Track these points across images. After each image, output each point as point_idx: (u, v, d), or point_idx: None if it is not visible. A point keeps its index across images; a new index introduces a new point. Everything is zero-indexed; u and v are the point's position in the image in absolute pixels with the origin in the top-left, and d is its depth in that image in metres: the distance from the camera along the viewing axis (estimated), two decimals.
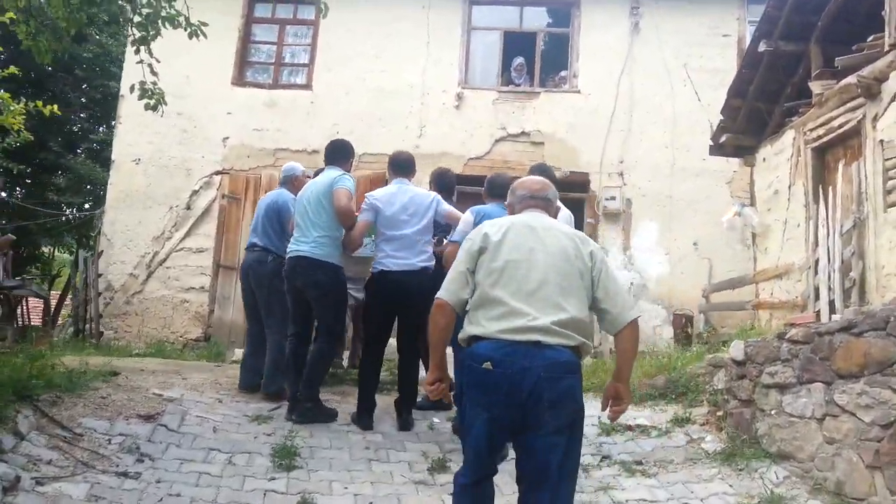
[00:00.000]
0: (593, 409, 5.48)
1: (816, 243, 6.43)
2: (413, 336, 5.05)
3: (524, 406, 2.62)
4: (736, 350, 4.85)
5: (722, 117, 8.47)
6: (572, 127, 10.04)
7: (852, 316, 4.05)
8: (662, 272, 9.51)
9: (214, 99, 10.39)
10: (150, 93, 5.92)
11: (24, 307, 12.16)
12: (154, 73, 5.78)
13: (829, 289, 6.04)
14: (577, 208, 9.95)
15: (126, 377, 5.66)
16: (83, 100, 14.42)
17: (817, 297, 6.23)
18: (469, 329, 2.80)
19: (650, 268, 9.54)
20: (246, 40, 10.83)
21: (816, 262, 6.39)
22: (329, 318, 5.08)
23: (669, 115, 9.89)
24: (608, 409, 2.95)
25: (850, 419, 3.86)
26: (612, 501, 4.04)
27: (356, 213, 5.09)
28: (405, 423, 5.05)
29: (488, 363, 2.65)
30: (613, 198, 9.64)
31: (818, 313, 6.00)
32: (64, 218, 13.61)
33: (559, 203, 5.30)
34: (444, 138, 10.12)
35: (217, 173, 10.25)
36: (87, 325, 9.50)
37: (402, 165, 5.31)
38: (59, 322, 12.13)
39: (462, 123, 10.19)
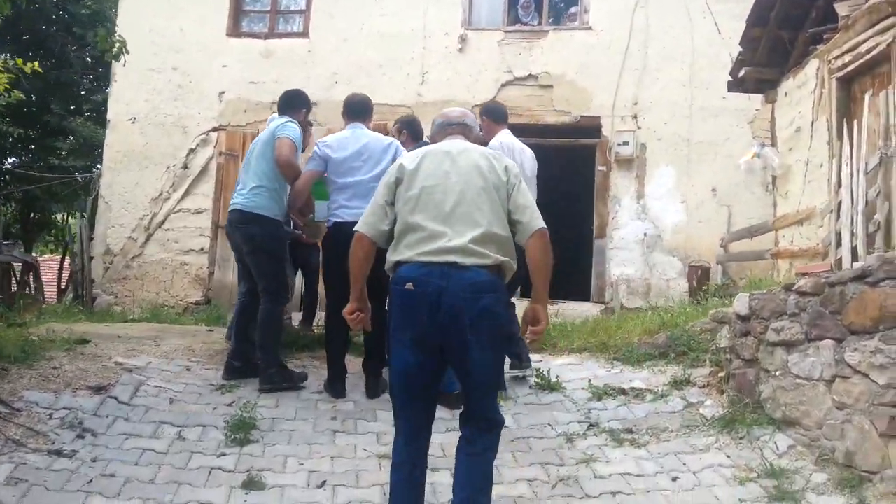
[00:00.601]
0: (586, 371, 5.16)
1: (839, 184, 5.82)
2: (377, 289, 4.63)
3: (444, 325, 2.68)
4: (740, 304, 4.36)
5: (741, 49, 7.78)
6: (583, 67, 9.35)
7: (868, 263, 3.54)
8: (679, 221, 8.85)
9: (209, 52, 9.95)
10: (107, 40, 5.55)
11: (34, 275, 12.08)
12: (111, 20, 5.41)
13: (852, 234, 5.46)
14: (587, 155, 9.40)
15: (95, 345, 5.41)
16: (88, 59, 14.09)
17: (839, 244, 5.66)
18: (392, 257, 2.86)
19: (666, 216, 8.87)
20: None
21: (839, 204, 5.79)
22: (267, 277, 4.70)
23: (687, 50, 9.09)
24: (527, 332, 2.90)
25: (863, 381, 3.37)
26: (593, 475, 3.65)
27: (300, 166, 4.67)
28: (374, 388, 4.67)
29: (410, 284, 2.72)
30: (626, 142, 8.96)
31: (839, 261, 5.44)
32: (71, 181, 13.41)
33: (523, 144, 4.87)
34: (447, 84, 9.54)
35: (214, 130, 9.87)
36: (84, 291, 9.31)
37: (356, 109, 4.86)
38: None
39: (466, 68, 9.58)
